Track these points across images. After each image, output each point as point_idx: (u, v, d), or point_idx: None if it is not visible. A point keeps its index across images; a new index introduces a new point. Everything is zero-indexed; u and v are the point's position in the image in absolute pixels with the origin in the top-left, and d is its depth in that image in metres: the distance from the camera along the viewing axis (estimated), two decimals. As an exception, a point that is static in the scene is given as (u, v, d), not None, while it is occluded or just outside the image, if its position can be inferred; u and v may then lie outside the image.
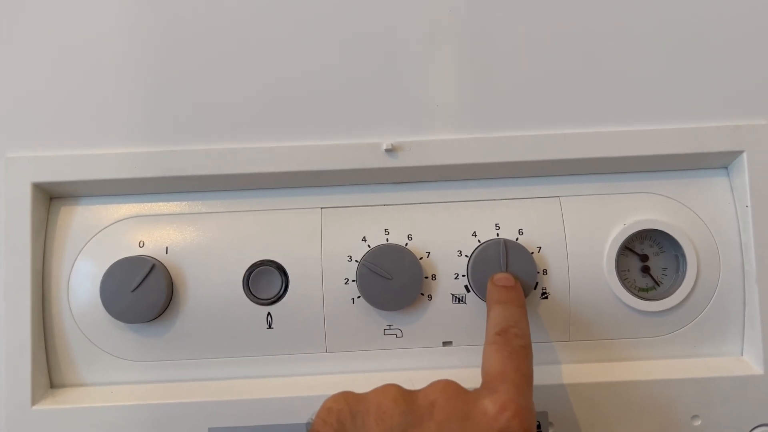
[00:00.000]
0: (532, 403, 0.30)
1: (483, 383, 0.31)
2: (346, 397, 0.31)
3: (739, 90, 0.38)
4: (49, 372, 0.38)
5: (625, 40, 0.39)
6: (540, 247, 0.38)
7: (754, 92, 0.38)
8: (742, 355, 0.39)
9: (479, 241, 0.38)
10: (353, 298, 0.38)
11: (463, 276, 0.38)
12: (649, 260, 0.39)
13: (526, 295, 0.37)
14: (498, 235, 0.38)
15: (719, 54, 0.39)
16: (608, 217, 0.39)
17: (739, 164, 0.38)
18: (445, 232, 0.38)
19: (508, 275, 0.37)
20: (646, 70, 0.38)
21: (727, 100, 0.38)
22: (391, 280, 0.37)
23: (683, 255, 0.38)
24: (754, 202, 0.38)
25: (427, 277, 0.38)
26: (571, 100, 0.38)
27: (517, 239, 0.38)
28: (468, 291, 0.38)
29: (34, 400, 0.37)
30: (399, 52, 0.38)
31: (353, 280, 0.38)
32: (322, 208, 0.39)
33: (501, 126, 0.38)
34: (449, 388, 0.30)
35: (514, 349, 0.32)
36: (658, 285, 0.39)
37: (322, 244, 0.38)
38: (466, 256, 0.38)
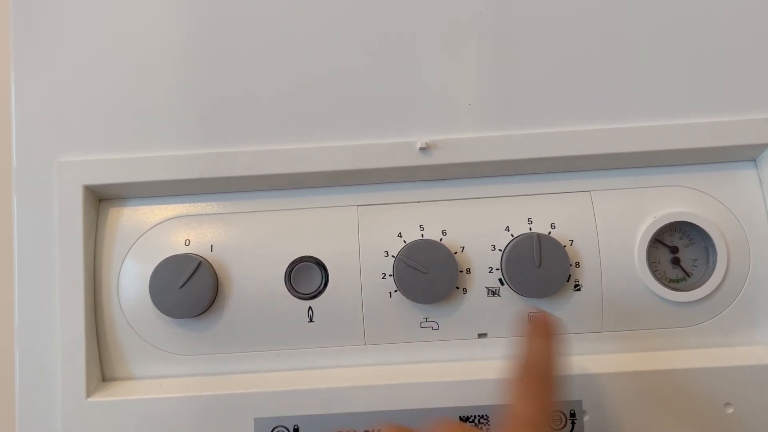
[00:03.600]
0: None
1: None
2: None
3: (767, 82, 0.39)
4: (101, 366, 0.40)
5: (654, 34, 0.39)
6: (572, 241, 0.39)
7: (782, 85, 0.39)
8: (773, 343, 0.39)
9: (512, 235, 0.39)
10: (390, 292, 0.39)
11: (497, 269, 0.39)
12: (679, 252, 0.40)
13: (558, 288, 0.38)
14: (531, 229, 0.39)
15: (747, 47, 0.39)
16: (638, 211, 0.39)
17: (767, 156, 0.39)
18: (478, 226, 0.40)
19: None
20: (674, 64, 0.39)
21: (755, 93, 0.39)
22: (427, 274, 0.38)
23: (713, 246, 0.39)
24: (783, 194, 0.38)
25: (462, 271, 0.39)
26: (601, 95, 0.39)
27: (549, 233, 0.39)
28: (502, 284, 0.39)
29: (89, 393, 0.38)
30: (431, 54, 0.40)
31: (390, 275, 0.39)
32: (358, 205, 0.40)
33: (532, 123, 0.39)
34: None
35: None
36: (689, 276, 0.40)
37: (359, 240, 0.40)
38: (500, 250, 0.39)
